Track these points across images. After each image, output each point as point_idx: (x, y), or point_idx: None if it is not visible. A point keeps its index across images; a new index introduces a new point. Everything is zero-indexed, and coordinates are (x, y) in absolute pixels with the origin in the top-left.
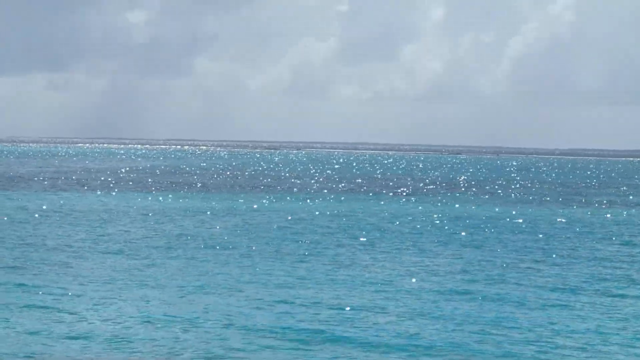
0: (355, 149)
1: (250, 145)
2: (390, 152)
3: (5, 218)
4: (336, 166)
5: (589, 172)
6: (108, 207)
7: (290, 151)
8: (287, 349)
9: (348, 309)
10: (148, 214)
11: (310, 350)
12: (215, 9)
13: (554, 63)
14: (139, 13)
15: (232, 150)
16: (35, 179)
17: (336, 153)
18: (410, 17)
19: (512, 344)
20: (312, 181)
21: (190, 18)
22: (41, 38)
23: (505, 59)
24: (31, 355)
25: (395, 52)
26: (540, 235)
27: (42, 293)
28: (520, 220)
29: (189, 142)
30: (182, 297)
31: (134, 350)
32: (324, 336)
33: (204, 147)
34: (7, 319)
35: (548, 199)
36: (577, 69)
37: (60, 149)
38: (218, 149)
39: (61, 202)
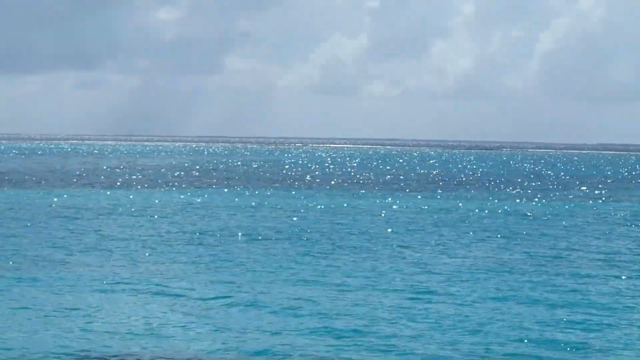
0: (385, 145)
1: (281, 142)
2: (422, 149)
3: (68, 214)
4: (374, 163)
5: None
6: (167, 203)
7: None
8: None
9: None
10: (202, 209)
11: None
12: (246, 7)
13: (585, 58)
14: (170, 11)
15: (263, 146)
16: (83, 176)
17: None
18: (440, 13)
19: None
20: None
21: (221, 16)
22: (72, 36)
23: (536, 55)
24: (82, 352)
25: (425, 49)
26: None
27: (87, 286)
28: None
29: (222, 139)
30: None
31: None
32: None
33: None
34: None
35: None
36: (609, 64)
37: (95, 146)
38: (250, 145)
39: (117, 199)
